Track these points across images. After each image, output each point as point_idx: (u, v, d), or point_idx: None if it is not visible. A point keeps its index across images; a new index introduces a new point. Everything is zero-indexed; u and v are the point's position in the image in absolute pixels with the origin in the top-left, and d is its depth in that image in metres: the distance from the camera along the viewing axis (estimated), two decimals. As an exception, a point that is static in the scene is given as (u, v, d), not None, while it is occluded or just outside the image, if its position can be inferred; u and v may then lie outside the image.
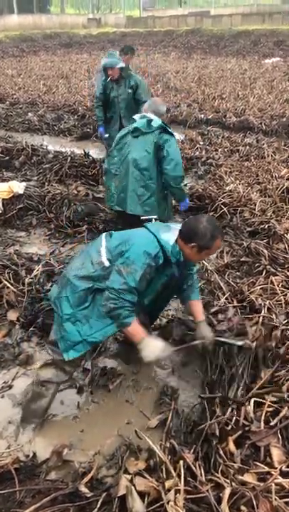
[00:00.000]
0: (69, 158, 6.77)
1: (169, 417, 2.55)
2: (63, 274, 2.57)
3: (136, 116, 4.05)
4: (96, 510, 1.99)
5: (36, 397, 2.61)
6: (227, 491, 2.01)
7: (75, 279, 2.40)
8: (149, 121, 3.86)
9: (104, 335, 2.43)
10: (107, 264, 2.36)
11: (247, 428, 2.38)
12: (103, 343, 3.23)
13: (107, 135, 6.26)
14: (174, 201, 4.55)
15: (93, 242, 2.61)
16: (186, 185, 6.08)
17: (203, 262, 4.39)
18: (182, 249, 2.38)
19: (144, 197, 3.90)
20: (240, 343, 2.71)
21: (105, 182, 4.37)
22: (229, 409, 2.51)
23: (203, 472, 2.15)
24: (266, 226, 4.74)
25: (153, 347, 2.35)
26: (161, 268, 2.36)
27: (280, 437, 2.34)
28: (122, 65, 5.82)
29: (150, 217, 3.68)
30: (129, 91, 5.98)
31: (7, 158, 7.26)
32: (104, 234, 2.57)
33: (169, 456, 2.22)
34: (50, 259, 4.17)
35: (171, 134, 3.90)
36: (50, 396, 2.60)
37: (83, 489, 2.11)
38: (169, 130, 3.90)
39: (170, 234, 2.39)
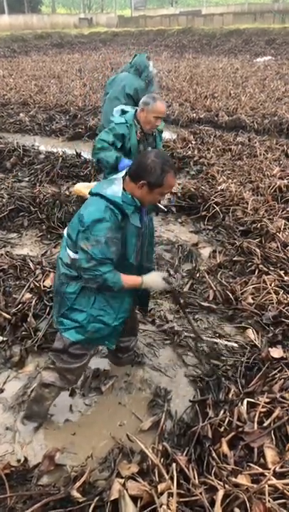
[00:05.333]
0: (60, 158, 6.74)
1: (162, 419, 2.52)
2: (55, 292, 2.48)
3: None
4: (88, 515, 1.97)
5: (39, 399, 2.60)
6: (220, 494, 1.99)
7: (65, 288, 2.33)
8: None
9: (128, 307, 2.44)
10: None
11: (240, 429, 2.36)
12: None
13: None
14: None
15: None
16: (179, 184, 6.07)
17: (195, 261, 4.39)
18: (133, 192, 2.19)
19: None
20: (235, 344, 2.70)
21: None
22: (222, 411, 2.49)
23: (196, 474, 2.13)
24: (258, 225, 4.73)
25: (153, 281, 2.37)
26: (124, 223, 2.18)
27: (273, 438, 2.33)
28: None
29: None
30: None
31: (-2, 159, 7.21)
32: (64, 232, 2.43)
33: (162, 459, 2.20)
34: (42, 261, 4.14)
35: (111, 122, 3.73)
36: (52, 399, 2.60)
37: (75, 494, 2.09)
38: (113, 119, 3.69)
39: (114, 186, 2.20)
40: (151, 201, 2.27)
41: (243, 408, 2.49)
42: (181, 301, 3.16)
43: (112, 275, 2.19)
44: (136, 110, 3.65)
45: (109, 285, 2.20)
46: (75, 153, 7.10)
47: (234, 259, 4.30)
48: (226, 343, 3.17)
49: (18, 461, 2.40)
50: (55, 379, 2.50)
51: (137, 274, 2.37)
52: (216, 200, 5.35)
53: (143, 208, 2.31)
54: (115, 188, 2.18)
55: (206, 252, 4.65)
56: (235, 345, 3.14)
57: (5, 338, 3.29)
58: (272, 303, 3.55)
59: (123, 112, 3.74)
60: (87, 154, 7.55)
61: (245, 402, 2.53)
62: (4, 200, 5.51)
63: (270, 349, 3.00)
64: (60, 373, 2.49)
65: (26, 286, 3.70)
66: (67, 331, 2.37)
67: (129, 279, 2.27)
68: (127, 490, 2.03)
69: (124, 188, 2.20)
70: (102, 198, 2.16)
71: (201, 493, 2.01)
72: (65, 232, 2.40)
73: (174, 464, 2.13)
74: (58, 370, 2.49)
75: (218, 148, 7.59)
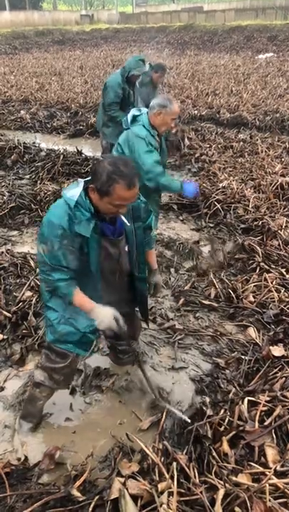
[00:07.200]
0: (62, 156, 6.73)
1: (162, 419, 2.51)
2: None
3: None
4: (88, 513, 1.96)
5: (32, 399, 2.59)
6: (221, 493, 1.99)
7: (43, 285, 2.30)
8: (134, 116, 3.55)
9: None
10: None
11: (241, 428, 2.35)
12: (96, 344, 3.19)
13: None
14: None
15: None
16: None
17: (196, 259, 4.38)
18: (90, 196, 2.05)
19: None
20: (184, 417, 2.55)
21: None
22: (222, 410, 2.49)
23: (196, 474, 2.12)
24: (260, 223, 4.72)
25: (103, 315, 2.14)
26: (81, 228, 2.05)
27: (274, 437, 2.32)
28: None
29: None
30: None
31: (-1, 156, 7.21)
32: None
33: (162, 458, 2.20)
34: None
35: (141, 137, 3.42)
36: (44, 399, 2.58)
37: (75, 493, 2.08)
38: (138, 132, 3.43)
39: (77, 188, 2.07)
40: (105, 211, 2.06)
41: (244, 407, 2.48)
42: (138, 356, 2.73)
43: (65, 286, 2.11)
44: (147, 113, 3.49)
45: (60, 294, 2.15)
46: (76, 150, 7.08)
47: (235, 257, 4.29)
48: (179, 415, 2.59)
49: (18, 459, 2.39)
50: (44, 378, 2.47)
51: (106, 284, 2.28)
52: (217, 197, 5.32)
53: (119, 216, 2.16)
54: (76, 190, 2.07)
55: (207, 249, 4.64)
56: (185, 418, 2.54)
57: (5, 336, 3.29)
58: (274, 301, 3.53)
59: (134, 118, 3.52)
60: (88, 151, 7.54)
61: (245, 400, 2.52)
62: (5, 197, 5.50)
63: (271, 347, 2.99)
64: (47, 372, 2.46)
65: (27, 285, 3.69)
66: (47, 328, 2.38)
67: (81, 301, 2.16)
68: (127, 489, 2.03)
69: (87, 193, 2.08)
70: (64, 200, 2.08)
71: (201, 492, 2.00)
72: None
73: (174, 463, 2.12)
74: (45, 369, 2.46)
75: (219, 146, 7.56)
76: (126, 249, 2.31)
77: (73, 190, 2.08)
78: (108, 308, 2.17)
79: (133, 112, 3.57)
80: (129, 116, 3.55)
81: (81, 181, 2.12)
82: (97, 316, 2.15)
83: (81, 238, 2.06)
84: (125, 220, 2.18)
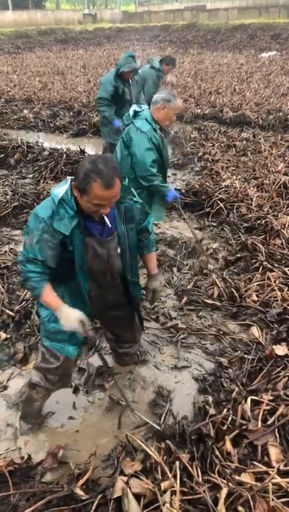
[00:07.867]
0: (64, 155, 6.72)
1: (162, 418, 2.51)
2: None
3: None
4: (91, 512, 1.97)
5: (29, 399, 2.59)
6: (224, 492, 1.99)
7: None
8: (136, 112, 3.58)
9: (87, 315, 2.25)
10: None
11: (244, 427, 2.35)
12: (98, 343, 3.20)
13: None
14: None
15: None
16: (183, 180, 6.04)
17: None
18: (74, 194, 2.02)
19: None
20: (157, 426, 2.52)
21: None
22: (225, 409, 2.49)
23: (199, 472, 2.12)
24: (263, 221, 4.70)
25: (68, 316, 2.08)
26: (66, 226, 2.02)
27: (277, 436, 2.32)
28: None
29: None
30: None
31: (2, 155, 7.22)
32: None
33: (165, 457, 2.20)
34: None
35: (143, 131, 3.44)
36: (40, 400, 2.57)
37: (78, 491, 2.09)
38: (141, 127, 3.46)
39: (64, 186, 2.05)
40: (87, 209, 2.01)
41: (247, 406, 2.47)
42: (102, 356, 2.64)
43: (37, 278, 2.08)
44: (148, 108, 3.53)
45: (29, 286, 2.10)
46: (79, 149, 7.08)
47: (238, 255, 4.28)
48: (152, 424, 2.57)
49: (22, 458, 2.40)
50: (40, 379, 2.46)
51: (97, 285, 2.26)
52: (220, 196, 5.32)
53: (108, 215, 2.09)
54: (63, 187, 2.06)
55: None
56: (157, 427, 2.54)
57: (9, 335, 3.30)
58: (277, 300, 3.53)
59: (136, 113, 3.54)
60: (91, 151, 7.54)
61: (248, 399, 2.52)
62: (8, 196, 5.51)
63: (274, 346, 2.98)
64: (42, 373, 2.44)
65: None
66: (41, 325, 2.37)
67: (49, 296, 2.10)
68: (130, 488, 2.03)
69: (71, 189, 2.05)
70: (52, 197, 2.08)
71: (204, 491, 2.00)
72: None
73: (177, 462, 2.12)
74: (39, 369, 2.44)
75: (222, 144, 7.54)
76: (118, 250, 2.25)
77: (61, 188, 2.06)
78: (74, 311, 2.10)
79: (134, 107, 3.60)
80: (131, 112, 3.57)
81: (69, 179, 2.10)
82: (62, 316, 2.09)
83: (64, 235, 2.03)
84: (108, 221, 2.13)
